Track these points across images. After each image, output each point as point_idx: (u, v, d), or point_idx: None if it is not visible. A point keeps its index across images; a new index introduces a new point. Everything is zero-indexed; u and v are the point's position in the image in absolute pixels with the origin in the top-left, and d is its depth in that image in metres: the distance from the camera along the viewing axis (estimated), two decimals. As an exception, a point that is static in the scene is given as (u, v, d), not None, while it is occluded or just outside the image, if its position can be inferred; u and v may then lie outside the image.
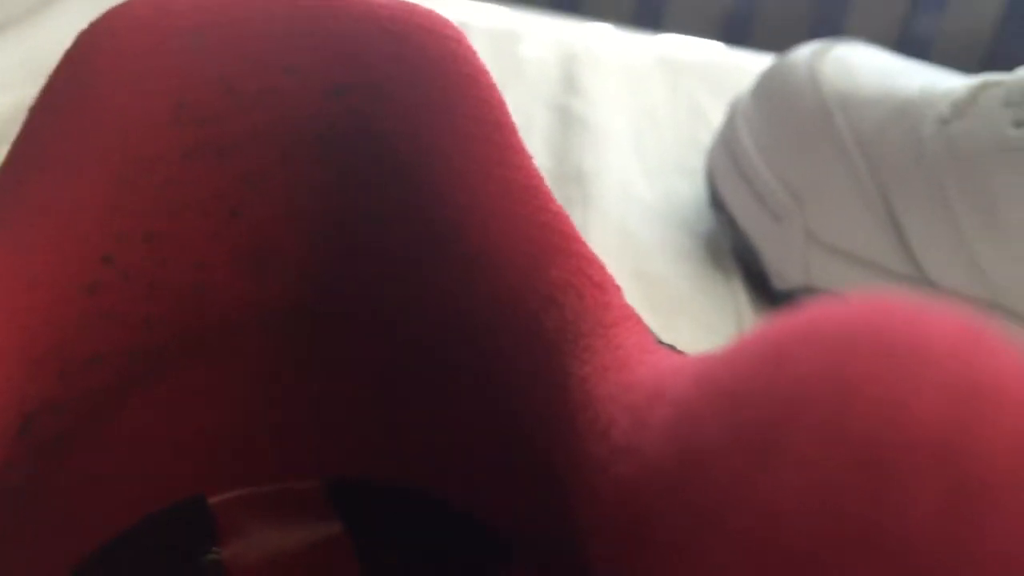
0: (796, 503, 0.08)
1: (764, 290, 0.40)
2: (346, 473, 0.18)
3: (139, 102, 0.14)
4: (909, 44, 0.80)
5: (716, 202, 0.41)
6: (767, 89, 0.41)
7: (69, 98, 0.14)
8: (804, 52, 0.41)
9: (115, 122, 0.14)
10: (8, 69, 0.47)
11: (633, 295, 0.38)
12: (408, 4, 0.15)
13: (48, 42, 0.50)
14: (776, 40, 0.82)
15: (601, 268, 0.14)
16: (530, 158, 0.15)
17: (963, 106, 0.34)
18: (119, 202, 0.14)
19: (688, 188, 0.46)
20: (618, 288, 0.14)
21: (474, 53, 0.15)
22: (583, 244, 0.14)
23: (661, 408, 0.10)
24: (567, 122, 0.51)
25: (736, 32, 0.83)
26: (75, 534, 0.16)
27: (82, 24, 0.52)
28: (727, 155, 0.41)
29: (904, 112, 0.36)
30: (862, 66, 0.39)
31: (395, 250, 0.15)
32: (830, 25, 0.82)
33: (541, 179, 0.14)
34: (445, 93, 0.14)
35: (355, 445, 0.18)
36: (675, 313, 0.38)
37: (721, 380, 0.09)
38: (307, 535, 0.18)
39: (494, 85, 0.15)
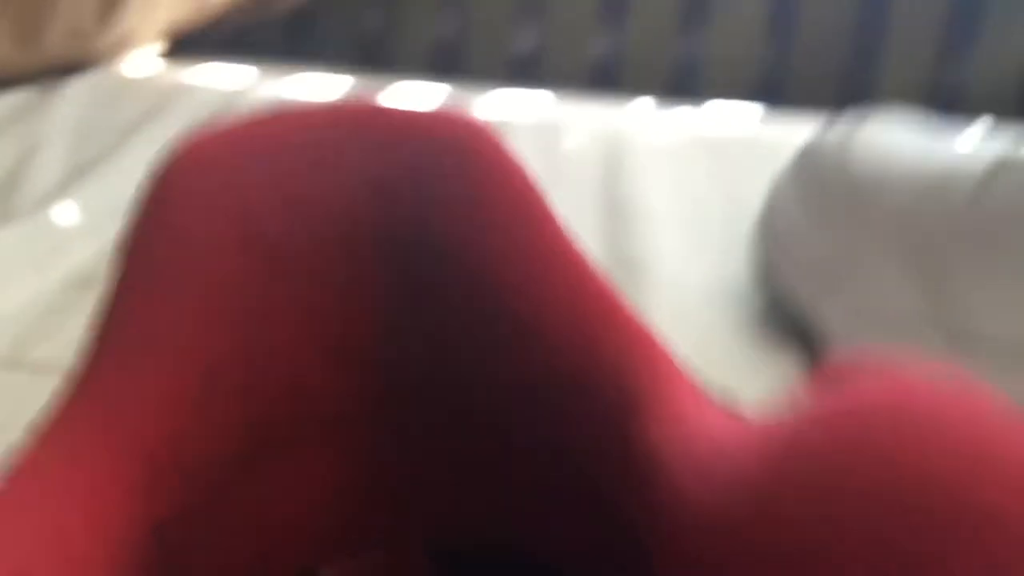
0: (843, 545, 0.11)
1: (820, 362, 0.41)
2: (446, 537, 0.19)
3: (211, 231, 0.15)
4: (944, 91, 0.82)
5: (766, 280, 0.43)
6: (800, 172, 0.43)
7: (150, 237, 0.15)
8: (833, 136, 0.43)
9: (194, 251, 0.15)
10: (93, 213, 0.50)
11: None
12: (446, 112, 0.17)
13: (125, 182, 0.53)
14: (813, 96, 0.84)
15: (650, 329, 0.16)
16: (570, 239, 0.16)
17: (989, 179, 0.36)
18: (210, 320, 0.15)
19: (736, 267, 0.48)
20: (667, 345, 0.16)
21: (510, 150, 0.17)
22: (630, 308, 0.16)
23: (726, 467, 0.12)
24: (613, 210, 0.53)
25: (773, 90, 0.84)
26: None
27: (152, 160, 0.55)
28: (771, 234, 0.43)
29: (937, 186, 0.37)
30: (890, 145, 0.41)
31: (460, 335, 0.17)
32: (862, 81, 0.84)
33: (584, 256, 0.16)
34: (483, 189, 0.16)
35: (451, 511, 0.19)
36: (732, 391, 0.39)
37: (786, 455, 0.12)
38: None
39: (529, 177, 0.17)
